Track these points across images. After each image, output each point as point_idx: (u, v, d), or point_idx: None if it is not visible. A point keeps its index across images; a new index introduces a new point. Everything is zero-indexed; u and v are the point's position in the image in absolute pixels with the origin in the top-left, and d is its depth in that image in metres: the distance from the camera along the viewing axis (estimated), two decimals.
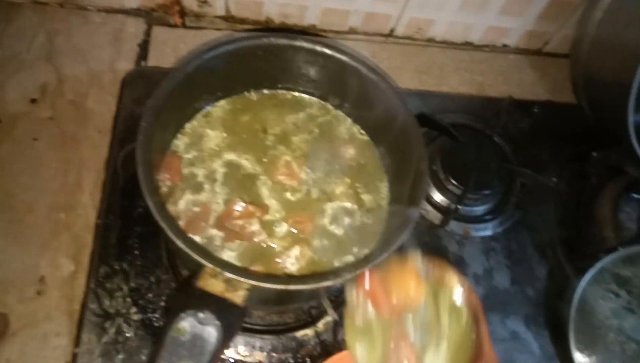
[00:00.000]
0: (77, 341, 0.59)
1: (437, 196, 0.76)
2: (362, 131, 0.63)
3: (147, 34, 0.82)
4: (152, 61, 0.80)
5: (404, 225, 0.48)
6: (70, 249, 0.64)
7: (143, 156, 0.46)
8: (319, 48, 0.56)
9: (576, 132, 0.86)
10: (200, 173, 0.57)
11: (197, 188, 0.56)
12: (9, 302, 0.60)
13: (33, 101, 0.72)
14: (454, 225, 0.75)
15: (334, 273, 0.45)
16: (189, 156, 0.58)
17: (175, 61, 0.80)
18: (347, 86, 0.59)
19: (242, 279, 0.43)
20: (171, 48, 0.81)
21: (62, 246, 0.64)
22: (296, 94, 0.64)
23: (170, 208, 0.54)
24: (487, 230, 0.76)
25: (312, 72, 0.60)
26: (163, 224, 0.44)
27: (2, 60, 0.74)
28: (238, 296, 0.44)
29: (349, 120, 0.63)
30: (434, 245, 0.73)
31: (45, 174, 0.68)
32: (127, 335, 0.60)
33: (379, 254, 0.46)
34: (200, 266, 0.44)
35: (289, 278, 0.44)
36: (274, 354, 0.62)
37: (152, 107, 0.49)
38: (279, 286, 0.43)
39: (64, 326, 0.60)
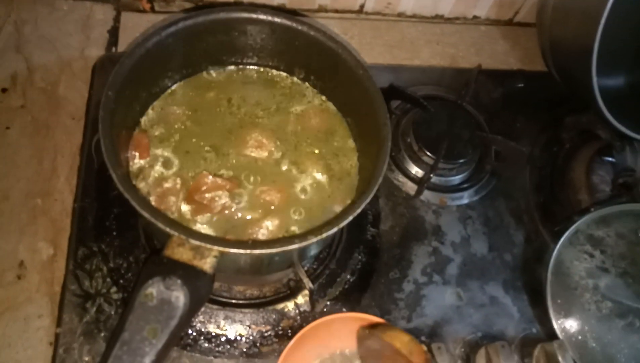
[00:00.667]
0: (58, 321, 0.60)
1: (412, 168, 0.77)
2: (329, 102, 0.64)
3: (117, 20, 0.82)
4: (123, 46, 0.80)
5: (367, 190, 0.49)
6: (49, 233, 0.65)
7: (105, 131, 0.47)
8: (278, 20, 0.56)
9: (549, 100, 0.87)
10: (168, 149, 0.58)
11: (166, 164, 0.57)
12: None
13: (3, 90, 0.73)
14: (430, 196, 0.76)
15: (300, 236, 0.46)
16: (156, 133, 0.58)
17: None
18: (311, 58, 0.60)
19: (207, 245, 0.43)
20: (141, 33, 0.82)
21: (40, 230, 0.65)
22: (261, 68, 0.64)
23: (140, 184, 0.55)
24: (463, 199, 0.77)
25: (275, 45, 0.60)
26: (128, 196, 0.44)
27: None
28: (206, 264, 0.45)
29: (315, 91, 0.64)
30: (411, 216, 0.74)
31: (19, 162, 0.68)
32: (108, 313, 0.61)
33: (342, 217, 0.47)
34: (167, 236, 0.45)
35: (255, 242, 0.45)
36: (254, 327, 0.63)
37: (112, 83, 0.49)
38: (244, 251, 0.44)
39: (45, 308, 0.61)
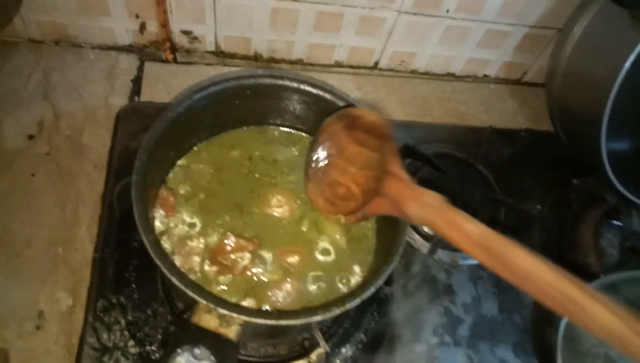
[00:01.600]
0: None
1: (425, 226, 0.79)
2: None
3: (140, 69, 0.85)
4: (145, 95, 0.82)
5: (391, 256, 0.50)
6: (69, 283, 0.66)
7: (138, 195, 0.48)
8: (303, 87, 0.59)
9: (556, 160, 0.90)
10: (193, 207, 0.60)
11: (190, 223, 0.58)
12: (8, 337, 0.61)
13: (30, 137, 0.74)
14: (442, 254, 0.77)
15: (324, 308, 0.47)
16: (182, 191, 0.60)
17: (167, 96, 0.82)
18: None
19: (235, 315, 0.45)
20: (163, 83, 0.84)
21: (61, 280, 0.66)
22: (284, 129, 0.66)
23: (165, 244, 0.56)
24: (474, 258, 0.78)
25: (299, 108, 0.62)
26: (158, 262, 0.46)
27: (0, 97, 0.76)
28: (232, 331, 0.46)
29: None
30: (423, 274, 0.75)
31: (42, 209, 0.70)
32: None
33: (367, 287, 0.49)
34: (194, 302, 0.46)
35: (280, 313, 0.46)
36: None
37: (145, 147, 0.51)
38: (270, 322, 0.45)
39: (63, 360, 0.61)
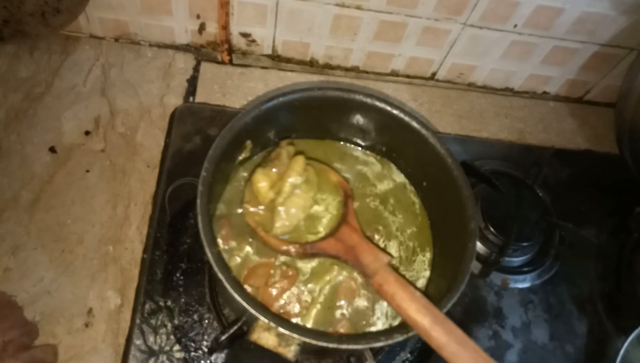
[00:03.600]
0: None
1: (477, 246, 0.76)
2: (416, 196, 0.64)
3: (196, 69, 0.85)
4: (200, 96, 0.82)
5: (455, 285, 0.48)
6: (117, 282, 0.66)
7: (203, 207, 0.47)
8: (374, 103, 0.57)
9: (617, 185, 0.86)
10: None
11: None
12: (58, 333, 0.61)
13: (87, 133, 0.75)
14: (492, 276, 0.75)
15: (386, 334, 0.45)
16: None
17: (222, 98, 0.82)
18: (396, 139, 0.60)
19: (296, 336, 0.43)
20: (218, 85, 0.84)
21: (110, 278, 0.66)
22: (351, 145, 0.65)
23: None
24: (525, 282, 0.75)
25: (364, 123, 0.61)
26: (222, 277, 0.45)
27: (60, 91, 0.77)
28: (290, 352, 0.45)
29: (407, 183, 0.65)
30: (473, 296, 0.73)
31: (95, 206, 0.70)
32: None
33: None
34: (254, 319, 0.45)
35: (341, 336, 0.45)
36: None
37: (212, 157, 0.50)
38: (332, 345, 0.43)
39: (109, 359, 0.61)
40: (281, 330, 0.43)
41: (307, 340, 0.43)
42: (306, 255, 0.56)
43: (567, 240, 0.78)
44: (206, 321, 0.64)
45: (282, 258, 0.56)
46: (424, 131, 0.57)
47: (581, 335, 0.73)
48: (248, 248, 0.55)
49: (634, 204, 0.82)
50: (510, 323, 0.73)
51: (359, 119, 0.61)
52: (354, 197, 0.61)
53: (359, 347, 0.44)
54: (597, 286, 0.78)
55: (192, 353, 0.62)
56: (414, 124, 0.57)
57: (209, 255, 0.45)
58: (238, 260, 0.55)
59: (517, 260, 0.77)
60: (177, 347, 0.62)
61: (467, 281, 0.73)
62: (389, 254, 0.57)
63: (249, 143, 0.58)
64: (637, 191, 0.83)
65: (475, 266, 0.75)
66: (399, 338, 0.45)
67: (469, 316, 0.72)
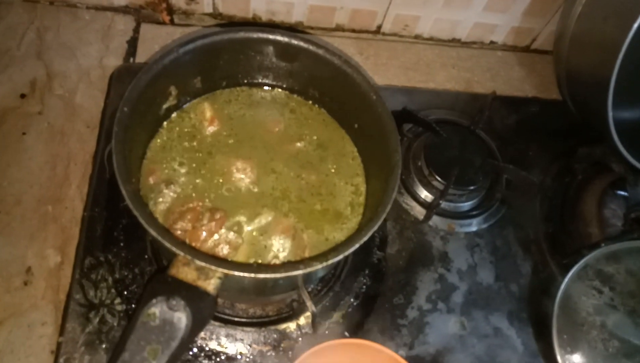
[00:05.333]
0: (61, 330, 0.60)
1: (422, 192, 0.77)
2: (340, 127, 0.64)
3: (136, 31, 0.84)
4: (141, 57, 0.81)
5: (375, 217, 0.49)
6: (57, 241, 0.65)
7: (118, 146, 0.47)
8: (294, 42, 0.57)
9: (563, 129, 0.87)
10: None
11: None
12: None
13: (22, 96, 0.74)
14: (438, 221, 0.75)
15: (305, 262, 0.46)
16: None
17: None
18: (324, 80, 0.60)
19: (212, 266, 0.43)
20: (159, 45, 0.83)
21: (50, 237, 0.65)
22: (274, 89, 0.65)
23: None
24: (471, 226, 0.76)
25: (291, 66, 0.60)
26: (136, 213, 0.45)
27: None
28: (210, 285, 0.45)
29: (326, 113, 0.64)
30: (418, 241, 0.73)
31: (33, 168, 0.69)
32: (111, 324, 0.61)
33: (348, 244, 0.47)
34: (172, 254, 0.45)
35: (260, 266, 0.45)
36: (255, 346, 0.63)
37: (128, 98, 0.50)
38: (248, 275, 0.44)
39: (50, 315, 0.61)
40: (197, 262, 0.44)
41: (223, 270, 0.43)
42: None
43: (513, 184, 0.79)
44: (147, 274, 0.64)
45: (209, 203, 0.56)
46: (345, 68, 0.57)
47: (525, 275, 0.75)
48: (174, 194, 0.55)
49: (578, 147, 0.83)
50: (456, 267, 0.74)
51: (284, 60, 0.60)
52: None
53: (277, 275, 0.44)
54: (542, 228, 0.79)
55: (134, 305, 0.62)
56: (335, 60, 0.57)
57: (124, 192, 0.45)
58: (166, 204, 0.55)
59: (463, 205, 0.78)
60: (118, 300, 0.62)
61: (413, 227, 0.75)
62: None
63: (173, 89, 0.57)
64: (581, 134, 0.83)
65: (420, 212, 0.76)
66: (318, 266, 0.45)
67: (414, 261, 0.73)
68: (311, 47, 0.57)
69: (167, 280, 0.44)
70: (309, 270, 0.45)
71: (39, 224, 0.66)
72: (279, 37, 0.57)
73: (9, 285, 0.62)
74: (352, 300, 0.67)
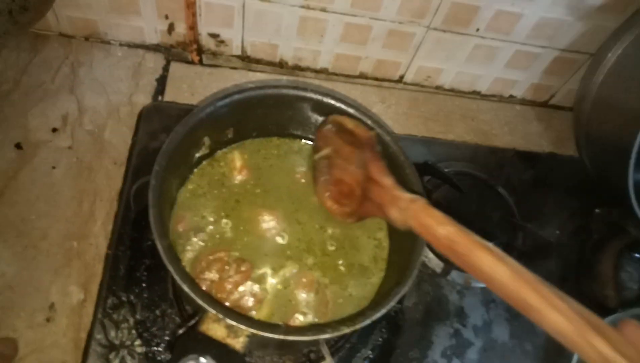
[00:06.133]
0: None
1: None
2: None
3: (165, 69, 0.86)
4: (169, 96, 0.83)
5: (405, 277, 0.50)
6: (81, 277, 0.66)
7: (155, 199, 0.48)
8: (326, 100, 0.59)
9: (579, 187, 0.88)
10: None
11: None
12: (18, 327, 0.62)
13: (54, 130, 0.75)
14: (455, 275, 0.76)
15: (333, 326, 0.46)
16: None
17: (191, 98, 0.83)
18: None
19: (243, 327, 0.44)
20: (187, 84, 0.85)
21: (73, 274, 0.66)
22: (302, 141, 0.66)
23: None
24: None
25: (320, 121, 0.62)
26: (170, 268, 0.46)
27: (28, 88, 0.77)
28: (238, 343, 0.45)
29: None
30: (435, 294, 0.74)
31: (60, 203, 0.70)
32: None
33: (376, 308, 0.48)
34: (203, 310, 0.46)
35: (289, 328, 0.46)
36: None
37: (165, 151, 0.51)
38: (278, 337, 0.44)
39: (70, 354, 0.61)
40: (228, 321, 0.44)
41: (253, 330, 0.44)
42: (356, 221, 0.59)
43: (529, 241, 0.80)
44: (168, 316, 0.65)
45: (236, 252, 0.57)
46: (378, 130, 0.58)
47: (540, 334, 0.75)
48: (202, 243, 0.56)
49: (594, 206, 0.84)
50: (472, 322, 0.74)
51: (316, 117, 0.62)
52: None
53: (304, 338, 0.45)
54: (558, 286, 0.79)
55: (154, 348, 0.63)
56: (368, 122, 0.58)
57: (159, 247, 0.46)
58: (194, 252, 0.56)
59: None
60: (138, 342, 0.63)
61: (430, 280, 0.75)
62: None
63: (206, 139, 0.59)
64: (597, 193, 0.85)
65: (438, 265, 0.76)
66: (346, 330, 0.46)
67: (430, 315, 0.73)
68: (344, 107, 0.59)
69: (198, 337, 0.44)
70: (336, 334, 0.46)
71: (64, 259, 0.67)
72: (313, 96, 0.59)
73: (32, 320, 0.63)
74: (369, 352, 0.68)
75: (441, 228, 0.48)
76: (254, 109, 0.59)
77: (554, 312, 0.42)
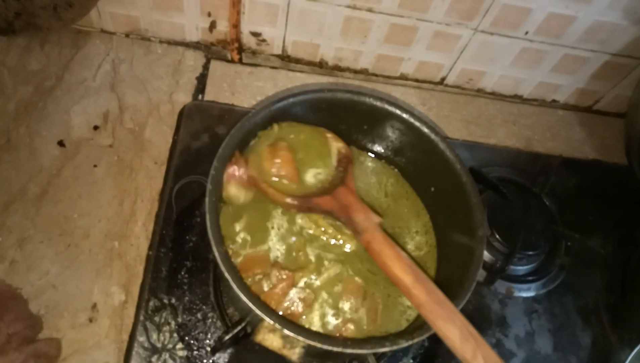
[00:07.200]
0: None
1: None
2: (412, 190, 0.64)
3: (205, 67, 0.85)
4: (209, 94, 0.82)
5: (462, 292, 0.48)
6: (122, 278, 0.66)
7: (212, 205, 0.47)
8: (388, 108, 0.57)
9: (624, 195, 0.85)
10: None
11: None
12: (62, 327, 0.61)
13: (95, 127, 0.75)
14: (497, 284, 0.74)
15: (390, 339, 0.45)
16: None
17: (231, 97, 0.82)
18: (404, 143, 0.60)
19: (301, 338, 0.43)
20: (227, 83, 0.84)
21: (115, 274, 0.66)
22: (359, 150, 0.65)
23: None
24: (530, 291, 0.75)
25: (380, 128, 0.61)
26: (228, 276, 0.45)
27: (70, 85, 0.77)
28: (294, 354, 0.45)
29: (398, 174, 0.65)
30: (477, 303, 0.72)
31: (102, 202, 0.70)
32: None
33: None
34: (259, 320, 0.45)
35: (347, 340, 0.45)
36: None
37: (222, 156, 0.50)
38: (336, 349, 0.43)
39: (112, 355, 0.61)
40: (286, 332, 0.43)
41: (312, 343, 0.43)
42: (302, 209, 0.58)
43: (573, 250, 0.78)
44: (210, 320, 0.64)
45: (275, 252, 0.56)
46: (433, 136, 0.57)
47: (585, 347, 0.73)
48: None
49: None
50: (514, 332, 0.72)
51: (368, 122, 0.61)
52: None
53: (363, 351, 0.44)
54: (603, 298, 0.77)
55: (195, 352, 0.62)
56: (424, 128, 0.57)
57: (216, 254, 0.45)
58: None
59: (522, 269, 0.76)
60: (180, 345, 0.62)
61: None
62: (380, 215, 0.58)
63: None
64: None
65: (480, 274, 0.74)
66: (404, 344, 0.45)
67: (472, 323, 0.71)
68: (403, 115, 0.58)
69: (254, 347, 0.43)
70: (394, 347, 0.45)
71: (105, 260, 0.67)
72: (367, 100, 0.57)
73: (74, 320, 0.62)
74: (410, 360, 0.67)
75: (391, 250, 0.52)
76: (314, 111, 0.57)
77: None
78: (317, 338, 0.43)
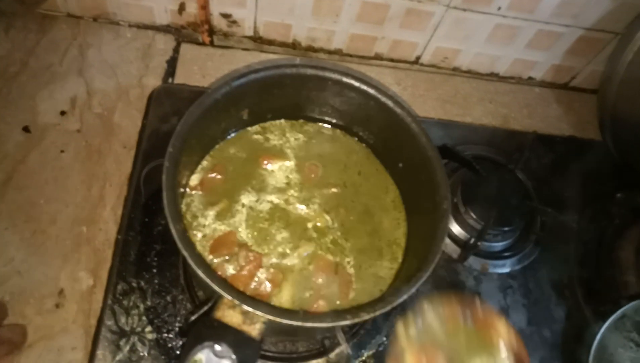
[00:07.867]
0: (91, 357, 0.59)
1: (456, 229, 0.75)
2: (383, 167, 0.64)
3: (176, 50, 0.83)
4: (179, 78, 0.81)
5: (425, 265, 0.48)
6: (90, 263, 0.65)
7: (169, 182, 0.46)
8: (346, 80, 0.56)
9: (600, 171, 0.85)
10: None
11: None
12: (27, 313, 0.61)
13: (62, 113, 0.74)
14: (471, 260, 0.74)
15: (352, 312, 0.45)
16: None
17: (202, 80, 0.81)
18: (372, 119, 0.59)
19: (260, 313, 0.43)
20: (198, 66, 0.82)
21: (83, 259, 0.65)
22: (321, 125, 0.64)
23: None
24: (505, 267, 0.75)
25: (338, 102, 0.60)
26: (185, 253, 0.44)
27: (36, 71, 0.76)
28: (255, 329, 0.44)
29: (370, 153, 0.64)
30: (451, 280, 0.72)
31: (69, 187, 0.69)
32: (141, 354, 0.60)
33: (398, 294, 0.46)
34: (219, 297, 0.44)
35: (306, 314, 0.44)
36: None
37: (179, 133, 0.49)
38: (296, 323, 0.43)
39: (80, 340, 0.60)
40: (245, 307, 0.43)
41: (270, 317, 0.42)
42: None
43: (547, 226, 0.78)
44: (179, 303, 0.63)
45: (241, 230, 0.55)
46: (398, 110, 0.56)
47: (559, 320, 0.73)
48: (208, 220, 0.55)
49: (616, 190, 0.81)
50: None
51: (334, 98, 0.60)
52: None
53: (322, 325, 0.43)
54: (577, 272, 0.77)
55: (165, 335, 0.61)
56: (390, 103, 0.56)
57: (174, 231, 0.45)
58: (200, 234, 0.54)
59: (497, 245, 0.76)
60: (149, 328, 0.62)
61: (446, 266, 0.73)
62: None
63: (221, 122, 0.57)
64: (619, 177, 0.82)
65: (454, 251, 0.74)
66: (366, 316, 0.44)
67: None
68: (364, 87, 0.57)
69: (213, 324, 0.43)
70: (355, 320, 0.44)
71: (73, 245, 0.66)
72: (332, 75, 0.56)
73: (41, 306, 0.62)
74: (383, 338, 0.66)
75: None
76: (271, 89, 0.57)
77: None
78: (274, 312, 0.43)
